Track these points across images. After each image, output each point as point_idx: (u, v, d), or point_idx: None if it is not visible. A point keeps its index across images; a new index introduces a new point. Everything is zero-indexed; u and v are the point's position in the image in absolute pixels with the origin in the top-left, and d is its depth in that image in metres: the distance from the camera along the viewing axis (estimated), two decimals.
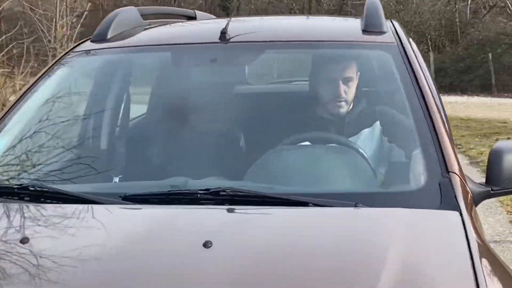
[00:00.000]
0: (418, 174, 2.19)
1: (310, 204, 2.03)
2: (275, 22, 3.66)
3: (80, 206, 2.10)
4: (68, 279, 1.70)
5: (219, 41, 2.75)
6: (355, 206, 1.99)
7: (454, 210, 1.94)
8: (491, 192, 2.22)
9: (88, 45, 2.97)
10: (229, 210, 2.09)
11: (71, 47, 3.11)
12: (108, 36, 2.94)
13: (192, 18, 3.77)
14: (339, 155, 2.59)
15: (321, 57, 2.98)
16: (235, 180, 2.37)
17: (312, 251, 1.81)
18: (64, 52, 3.03)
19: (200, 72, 3.10)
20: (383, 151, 2.66)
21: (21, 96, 2.73)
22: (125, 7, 3.32)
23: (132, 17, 3.17)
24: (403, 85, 2.59)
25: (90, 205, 2.10)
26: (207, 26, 3.47)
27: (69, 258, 1.80)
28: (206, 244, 1.76)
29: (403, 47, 2.75)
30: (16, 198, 2.21)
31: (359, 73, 2.83)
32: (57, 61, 2.90)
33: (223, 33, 2.73)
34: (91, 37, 3.02)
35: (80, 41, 3.12)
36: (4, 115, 2.65)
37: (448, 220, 1.93)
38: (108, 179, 2.54)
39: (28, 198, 2.19)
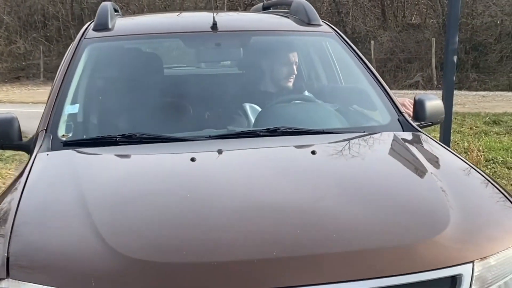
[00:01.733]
0: (385, 116, 3.18)
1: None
2: (239, 16, 4.33)
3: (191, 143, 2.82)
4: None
5: (211, 30, 3.44)
6: (364, 132, 2.98)
7: (417, 132, 3.04)
8: (421, 124, 3.25)
9: (94, 33, 3.44)
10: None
11: (79, 34, 3.52)
12: (110, 26, 3.49)
13: None
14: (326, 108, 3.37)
15: (280, 43, 3.71)
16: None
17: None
18: (78, 39, 3.47)
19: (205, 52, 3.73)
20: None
21: (65, 75, 3.18)
22: (105, 2, 3.82)
23: (113, 10, 3.74)
24: (351, 59, 3.51)
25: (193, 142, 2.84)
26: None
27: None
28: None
29: (339, 34, 3.68)
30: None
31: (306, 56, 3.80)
32: (77, 46, 3.37)
33: (214, 24, 3.43)
34: (90, 25, 3.57)
35: (85, 29, 3.57)
36: (59, 87, 3.10)
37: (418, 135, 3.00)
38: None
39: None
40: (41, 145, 2.80)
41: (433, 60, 19.01)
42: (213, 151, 2.74)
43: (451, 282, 1.89)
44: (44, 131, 2.90)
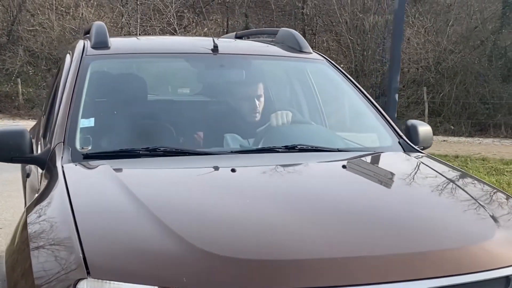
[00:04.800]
0: (387, 138, 3.37)
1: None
2: (236, 42, 4.41)
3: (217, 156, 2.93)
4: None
5: (211, 52, 3.52)
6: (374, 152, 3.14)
7: (417, 152, 3.23)
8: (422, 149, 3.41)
9: (94, 51, 3.46)
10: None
11: (77, 52, 3.53)
12: (109, 44, 3.54)
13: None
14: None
15: (280, 68, 3.94)
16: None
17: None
18: (79, 56, 3.46)
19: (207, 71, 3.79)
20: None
21: (74, 90, 3.17)
22: (97, 22, 3.88)
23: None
24: (347, 84, 3.71)
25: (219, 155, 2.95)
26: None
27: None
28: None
29: (330, 61, 3.90)
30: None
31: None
32: (80, 63, 3.41)
33: (215, 46, 3.52)
34: (84, 42, 3.61)
35: (82, 47, 3.56)
36: (70, 101, 3.09)
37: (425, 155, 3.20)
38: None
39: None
40: (62, 157, 2.77)
41: None
42: (252, 165, 2.88)
43: (505, 281, 2.03)
44: (62, 143, 2.87)
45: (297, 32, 4.02)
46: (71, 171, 2.61)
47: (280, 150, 3.01)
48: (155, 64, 3.73)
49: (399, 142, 3.30)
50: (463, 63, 19.61)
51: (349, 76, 3.76)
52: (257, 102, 3.48)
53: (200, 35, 22.54)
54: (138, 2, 24.13)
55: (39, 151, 3.38)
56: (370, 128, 3.50)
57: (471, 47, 20.00)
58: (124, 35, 22.26)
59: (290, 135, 3.32)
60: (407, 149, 3.25)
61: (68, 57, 3.79)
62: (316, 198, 2.39)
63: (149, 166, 2.76)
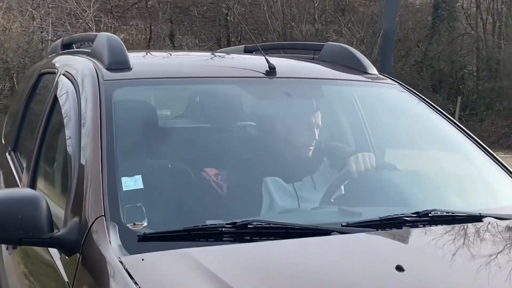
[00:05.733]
0: None
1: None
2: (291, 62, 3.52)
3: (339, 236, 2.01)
4: None
5: (265, 75, 2.65)
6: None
7: None
8: None
9: (111, 74, 2.52)
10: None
11: (85, 75, 2.61)
12: (130, 65, 2.61)
13: None
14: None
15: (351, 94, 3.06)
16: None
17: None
18: (94, 82, 2.52)
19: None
20: None
21: (101, 133, 2.20)
22: (105, 33, 2.94)
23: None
24: (434, 114, 2.91)
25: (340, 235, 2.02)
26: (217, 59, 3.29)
27: None
28: None
29: (402, 84, 3.07)
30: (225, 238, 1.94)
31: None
32: (99, 91, 2.44)
33: (272, 68, 2.65)
34: (95, 63, 2.65)
35: (95, 70, 2.56)
36: (101, 152, 2.13)
37: None
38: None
39: (248, 237, 1.95)
40: (110, 241, 1.82)
41: None
42: (417, 259, 1.97)
43: None
44: (103, 217, 1.91)
45: (354, 49, 3.20)
46: (140, 273, 1.68)
47: (408, 219, 2.16)
48: (197, 91, 2.80)
49: None
50: (394, 74, 19.45)
51: (433, 105, 2.95)
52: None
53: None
54: (49, 6, 22.56)
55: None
56: (482, 175, 2.71)
57: (401, 57, 19.89)
58: (40, 41, 20.81)
59: (390, 189, 2.49)
60: None
61: (61, 80, 2.80)
62: None
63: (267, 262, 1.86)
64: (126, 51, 2.64)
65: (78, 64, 2.78)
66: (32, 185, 2.75)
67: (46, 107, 2.93)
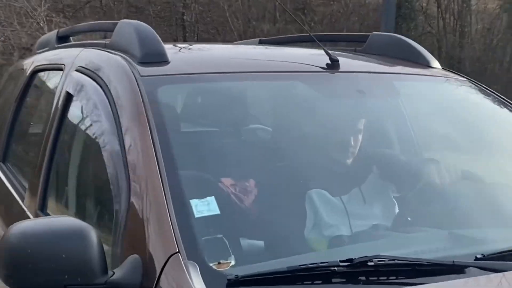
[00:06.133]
0: None
1: None
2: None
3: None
4: None
5: (326, 69, 2.23)
6: None
7: None
8: None
9: (146, 69, 2.09)
10: None
11: (113, 70, 2.16)
12: (169, 58, 2.15)
13: None
14: None
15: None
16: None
17: None
18: (130, 78, 2.06)
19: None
20: None
21: (154, 144, 1.76)
22: (129, 20, 2.48)
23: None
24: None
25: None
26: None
27: None
28: None
29: (474, 82, 2.75)
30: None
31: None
32: (139, 90, 1.96)
33: (335, 60, 2.21)
34: (122, 57, 2.17)
35: (128, 65, 2.15)
36: (159, 167, 1.69)
37: None
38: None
39: (363, 277, 1.47)
40: (194, 286, 1.36)
41: None
42: None
43: None
44: (179, 254, 1.44)
45: (411, 40, 2.79)
46: None
47: None
48: (258, 88, 2.35)
49: None
50: None
51: (509, 101, 2.57)
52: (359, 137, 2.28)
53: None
54: None
55: None
56: None
57: None
58: None
59: (492, 205, 2.08)
60: None
61: (75, 77, 2.31)
62: None
63: None
64: (161, 44, 2.17)
65: (98, 58, 2.29)
66: (42, 208, 2.23)
67: (53, 108, 2.41)
